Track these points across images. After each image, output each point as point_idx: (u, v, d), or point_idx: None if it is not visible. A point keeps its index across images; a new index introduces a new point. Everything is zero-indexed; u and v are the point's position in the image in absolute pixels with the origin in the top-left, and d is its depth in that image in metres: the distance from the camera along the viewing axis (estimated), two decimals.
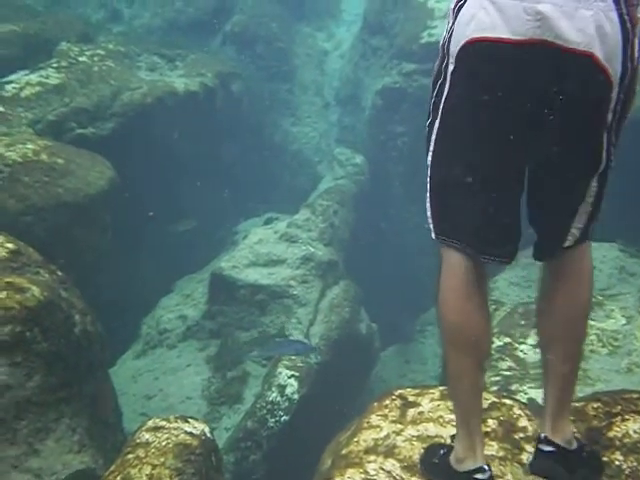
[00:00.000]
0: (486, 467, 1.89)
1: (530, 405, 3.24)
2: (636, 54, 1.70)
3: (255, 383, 4.92)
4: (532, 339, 4.03)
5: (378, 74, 7.52)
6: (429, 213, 1.91)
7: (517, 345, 4.03)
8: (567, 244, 1.87)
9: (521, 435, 2.20)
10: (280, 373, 4.68)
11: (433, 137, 1.85)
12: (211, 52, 7.75)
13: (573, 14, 1.60)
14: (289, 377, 4.66)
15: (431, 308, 6.63)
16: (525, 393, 3.56)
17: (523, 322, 4.21)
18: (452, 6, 1.76)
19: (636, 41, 1.69)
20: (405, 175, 7.29)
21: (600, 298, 4.26)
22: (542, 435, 1.96)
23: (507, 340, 4.10)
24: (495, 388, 3.65)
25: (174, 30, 8.16)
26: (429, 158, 1.88)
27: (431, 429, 2.21)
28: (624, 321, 4.01)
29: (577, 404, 2.38)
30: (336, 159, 7.69)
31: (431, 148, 1.86)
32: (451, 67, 1.77)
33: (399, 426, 2.24)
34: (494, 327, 4.31)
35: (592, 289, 1.98)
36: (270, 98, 8.16)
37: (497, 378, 3.79)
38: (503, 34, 1.64)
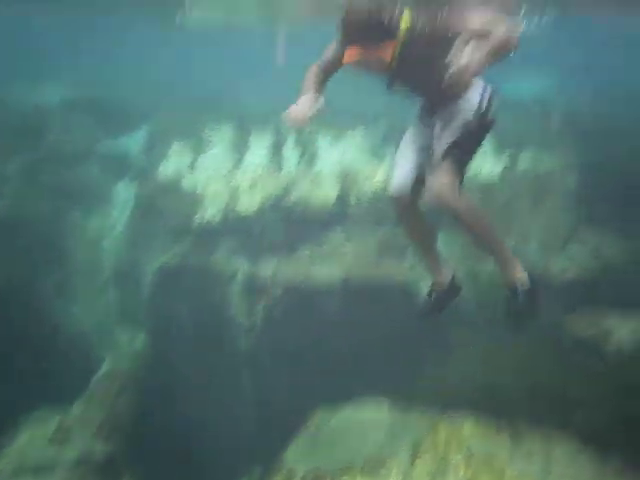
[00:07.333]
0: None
1: None
2: None
3: None
4: None
5: (154, 253, 7.68)
6: None
7: None
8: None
9: None
10: None
11: None
12: None
13: None
14: None
15: None
16: None
17: None
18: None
19: None
20: (188, 353, 7.31)
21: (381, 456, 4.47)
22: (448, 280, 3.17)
23: None
24: None
25: None
26: None
27: None
28: (401, 476, 4.24)
29: None
30: (117, 339, 7.46)
31: None
32: None
33: None
34: None
35: None
36: (44, 283, 7.79)
37: None
38: None
